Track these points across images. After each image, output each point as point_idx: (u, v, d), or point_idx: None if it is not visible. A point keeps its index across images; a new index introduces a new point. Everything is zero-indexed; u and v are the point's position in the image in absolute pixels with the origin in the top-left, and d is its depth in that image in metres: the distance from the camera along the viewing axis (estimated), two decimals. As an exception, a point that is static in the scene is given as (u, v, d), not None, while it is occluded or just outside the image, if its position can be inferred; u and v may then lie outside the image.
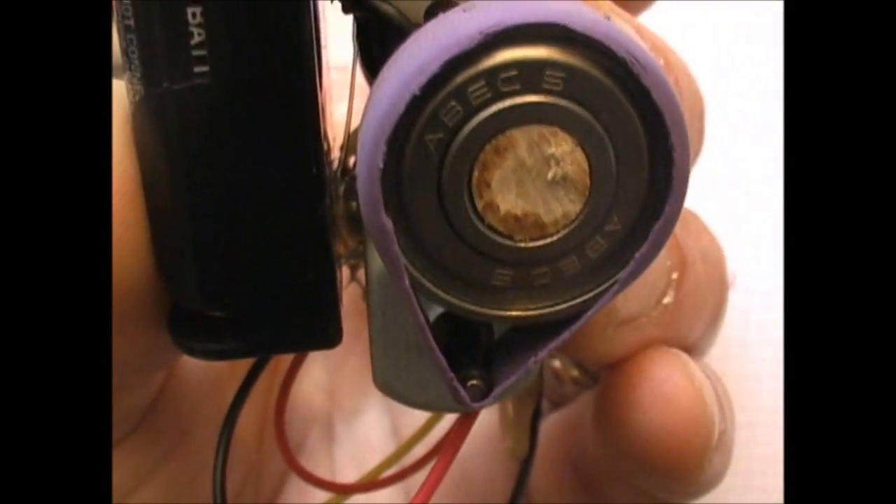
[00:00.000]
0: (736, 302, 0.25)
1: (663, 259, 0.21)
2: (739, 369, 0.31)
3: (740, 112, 0.33)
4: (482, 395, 0.17)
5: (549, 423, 0.26)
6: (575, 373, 0.27)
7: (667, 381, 0.20)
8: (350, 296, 0.22)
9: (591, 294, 0.16)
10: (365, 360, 0.28)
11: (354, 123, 0.20)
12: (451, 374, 0.17)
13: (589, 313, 0.16)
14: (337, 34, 0.21)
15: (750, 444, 0.29)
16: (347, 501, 0.26)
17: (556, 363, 0.27)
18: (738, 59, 0.34)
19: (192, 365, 0.25)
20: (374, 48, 0.19)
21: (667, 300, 0.21)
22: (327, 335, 0.18)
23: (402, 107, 0.15)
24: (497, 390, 0.17)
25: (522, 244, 0.16)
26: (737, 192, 0.32)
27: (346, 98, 0.21)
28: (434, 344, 0.16)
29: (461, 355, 0.17)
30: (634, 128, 0.15)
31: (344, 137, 0.20)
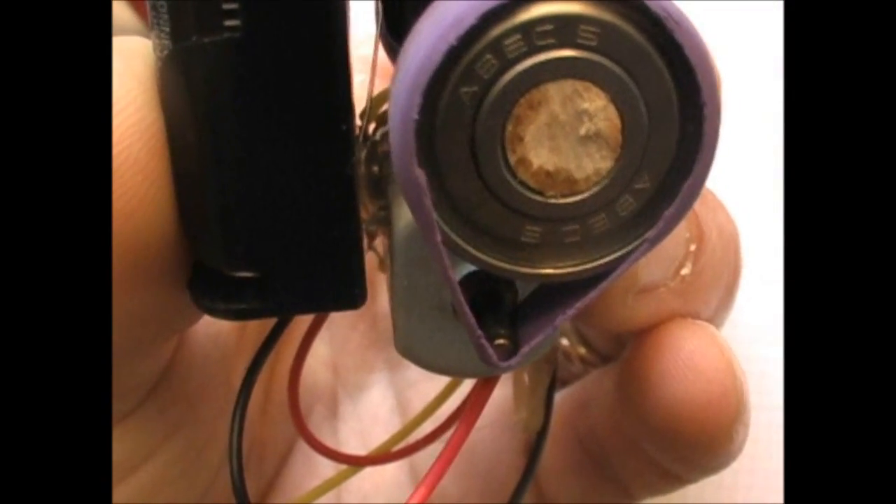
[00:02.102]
0: (742, 283, 0.25)
1: (682, 230, 0.21)
2: (740, 352, 0.31)
3: (740, 103, 0.33)
4: (510, 354, 0.17)
5: (557, 401, 0.26)
6: (582, 351, 0.27)
7: (697, 352, 0.20)
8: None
9: (619, 253, 0.16)
10: (370, 336, 0.29)
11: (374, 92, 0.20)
12: (480, 333, 0.17)
13: (617, 272, 0.16)
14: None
15: (756, 427, 0.29)
16: (352, 477, 0.26)
17: (564, 341, 0.27)
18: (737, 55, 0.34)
19: (200, 338, 0.25)
20: (396, 9, 0.19)
21: (685, 271, 0.21)
22: (352, 295, 0.18)
23: (438, 58, 0.15)
24: (524, 349, 0.17)
25: (553, 200, 0.16)
26: (736, 170, 0.32)
27: (360, 72, 0.21)
28: (464, 300, 0.16)
29: (487, 315, 0.17)
30: (666, 84, 0.15)
31: (367, 103, 0.20)
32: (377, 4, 0.19)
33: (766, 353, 0.31)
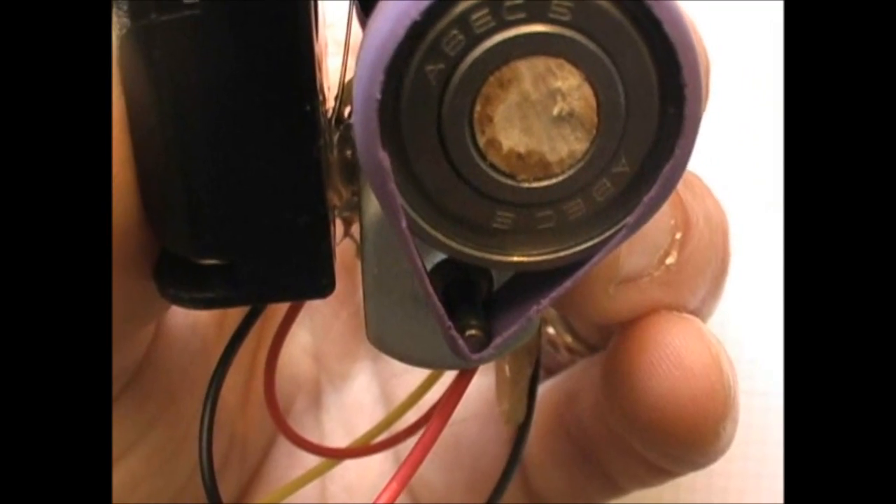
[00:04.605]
0: (734, 267, 0.24)
1: (667, 217, 0.20)
2: (730, 336, 0.30)
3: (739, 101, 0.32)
4: (481, 345, 0.16)
5: (543, 391, 0.25)
6: (569, 339, 0.26)
7: (683, 348, 0.19)
8: (339, 257, 0.21)
9: (596, 240, 0.16)
10: (353, 324, 0.28)
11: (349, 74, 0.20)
12: (449, 324, 0.16)
13: (594, 260, 0.16)
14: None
15: (749, 412, 0.29)
16: (337, 468, 0.26)
17: (550, 329, 0.26)
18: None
19: (178, 328, 0.24)
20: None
21: (670, 261, 0.20)
22: (320, 283, 0.17)
23: (401, 34, 0.14)
24: (497, 341, 0.16)
25: (525, 184, 0.15)
26: (738, 155, 0.32)
27: (340, 54, 0.20)
28: (431, 290, 0.15)
29: (460, 305, 0.17)
30: (645, 62, 0.15)
31: (339, 87, 0.20)
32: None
33: (756, 338, 0.31)
